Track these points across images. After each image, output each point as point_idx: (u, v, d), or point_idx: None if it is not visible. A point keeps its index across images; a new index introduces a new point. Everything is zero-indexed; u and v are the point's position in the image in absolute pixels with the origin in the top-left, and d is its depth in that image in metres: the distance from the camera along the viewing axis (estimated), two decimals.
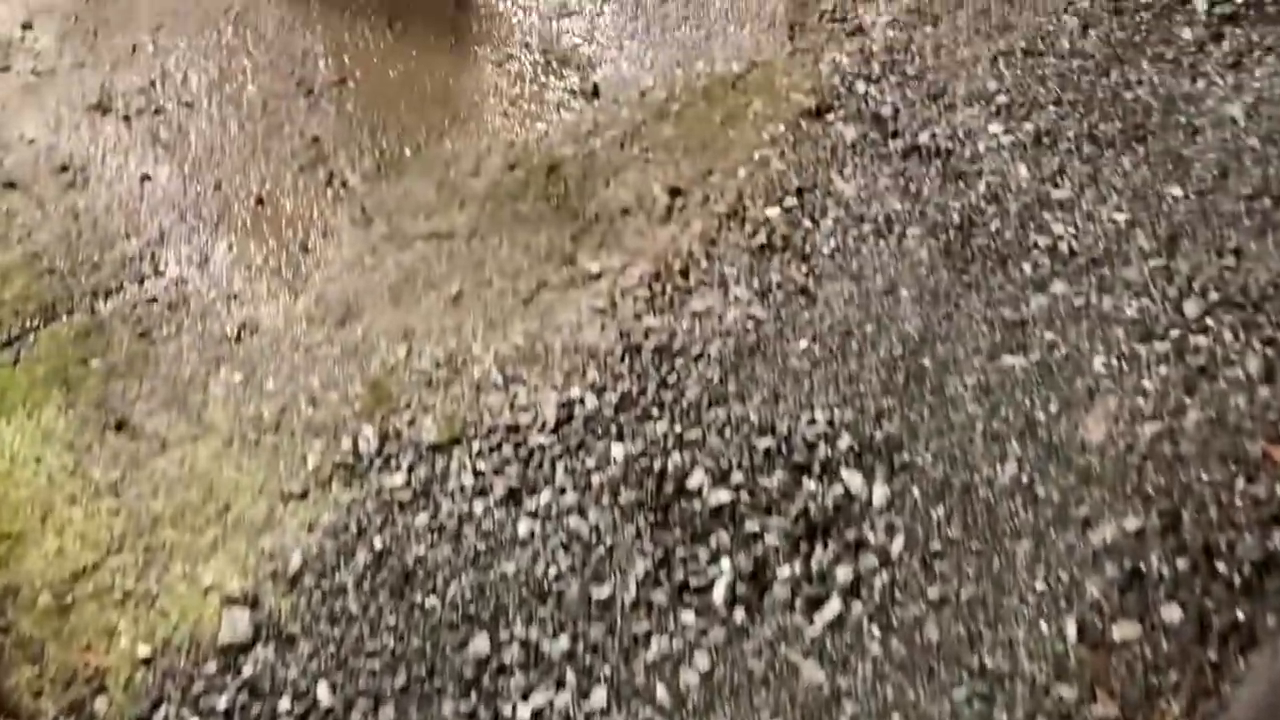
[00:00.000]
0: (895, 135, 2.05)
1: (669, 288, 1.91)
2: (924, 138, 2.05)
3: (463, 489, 1.70)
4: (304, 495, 1.71)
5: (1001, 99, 2.09)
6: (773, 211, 1.99)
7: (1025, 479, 1.65)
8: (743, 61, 2.16)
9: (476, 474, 1.72)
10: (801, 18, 2.22)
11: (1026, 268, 1.88)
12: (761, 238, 1.95)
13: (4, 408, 1.78)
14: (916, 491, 1.65)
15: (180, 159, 2.05)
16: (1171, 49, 2.14)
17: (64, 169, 2.03)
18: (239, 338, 1.87)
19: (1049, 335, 1.80)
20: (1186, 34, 2.16)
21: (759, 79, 2.14)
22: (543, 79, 2.15)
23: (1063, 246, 1.90)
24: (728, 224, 1.98)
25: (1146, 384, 1.74)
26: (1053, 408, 1.72)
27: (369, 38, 2.19)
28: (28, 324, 1.86)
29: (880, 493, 1.66)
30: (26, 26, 2.20)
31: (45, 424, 1.76)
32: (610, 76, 2.15)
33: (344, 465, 1.73)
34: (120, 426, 1.77)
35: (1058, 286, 1.85)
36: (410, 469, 1.73)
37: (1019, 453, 1.68)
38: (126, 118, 2.09)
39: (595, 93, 2.13)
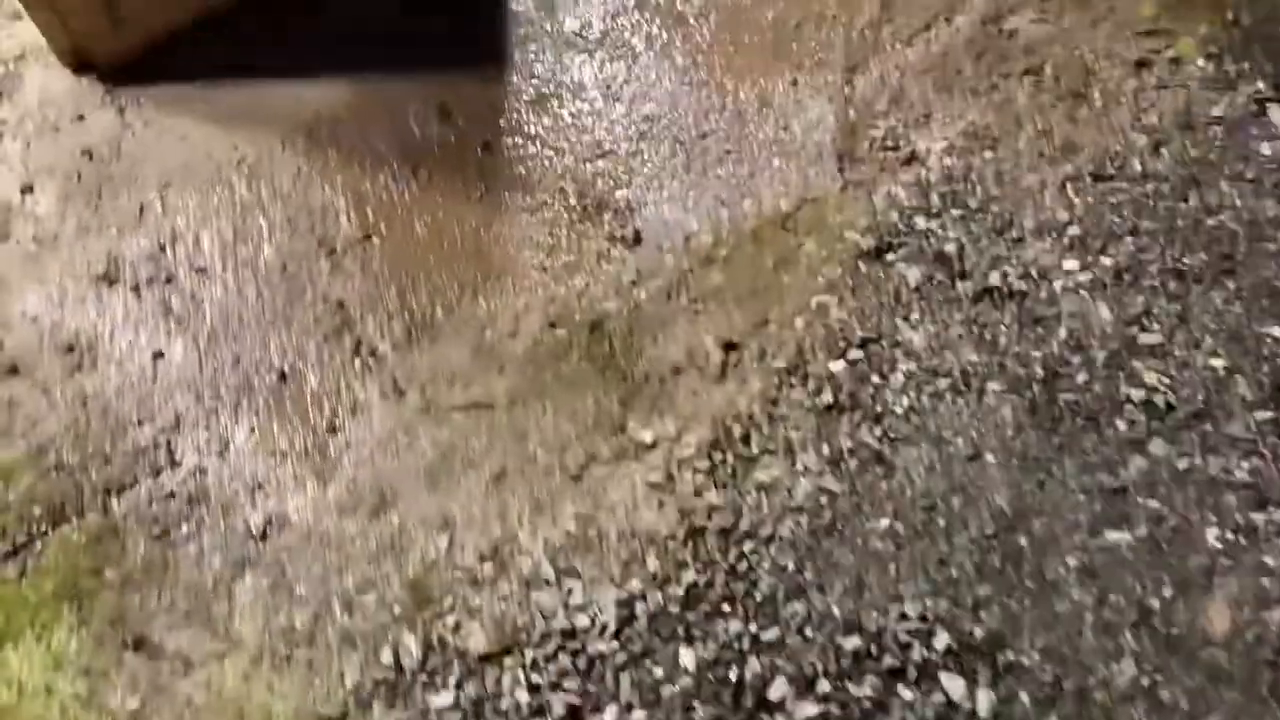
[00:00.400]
0: (963, 276, 1.93)
1: (730, 457, 1.78)
2: (994, 278, 1.93)
3: (518, 708, 1.56)
4: (343, 719, 1.57)
5: (1074, 230, 1.98)
6: (837, 366, 1.86)
7: (1146, 680, 1.51)
8: (791, 198, 2.05)
9: (532, 689, 1.58)
10: (850, 147, 2.11)
11: (1121, 425, 1.75)
12: (827, 396, 1.83)
13: (10, 630, 1.64)
14: (1026, 697, 1.51)
15: (195, 332, 1.93)
16: (1251, 167, 2.03)
17: (70, 349, 1.92)
18: (265, 535, 1.74)
19: (1153, 504, 1.67)
20: (1265, 149, 2.05)
21: (810, 217, 2.03)
22: (580, 226, 2.04)
23: (1158, 399, 1.77)
24: (789, 381, 1.86)
25: (1269, 560, 1.61)
26: (1167, 592, 1.59)
27: (392, 189, 2.09)
28: (34, 529, 1.74)
29: (985, 700, 1.51)
30: (26, 190, 2.10)
31: (56, 647, 1.62)
32: (651, 221, 2.04)
33: (385, 682, 1.59)
34: (139, 645, 1.64)
35: (1157, 447, 1.72)
36: (459, 685, 1.59)
37: (1135, 648, 1.54)
38: (136, 288, 1.98)
39: (637, 240, 2.02)
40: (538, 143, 2.16)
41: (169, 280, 1.99)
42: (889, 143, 2.13)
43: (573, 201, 2.08)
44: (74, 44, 2.15)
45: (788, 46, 2.28)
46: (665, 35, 2.30)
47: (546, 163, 2.12)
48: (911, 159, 2.11)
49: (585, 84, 2.24)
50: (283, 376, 1.91)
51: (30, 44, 2.27)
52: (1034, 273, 1.95)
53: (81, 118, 2.20)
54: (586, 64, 2.27)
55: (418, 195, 2.09)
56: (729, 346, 1.92)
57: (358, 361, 1.92)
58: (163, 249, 2.03)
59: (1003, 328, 1.89)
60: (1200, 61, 2.20)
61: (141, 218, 2.06)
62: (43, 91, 2.24)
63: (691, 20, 2.32)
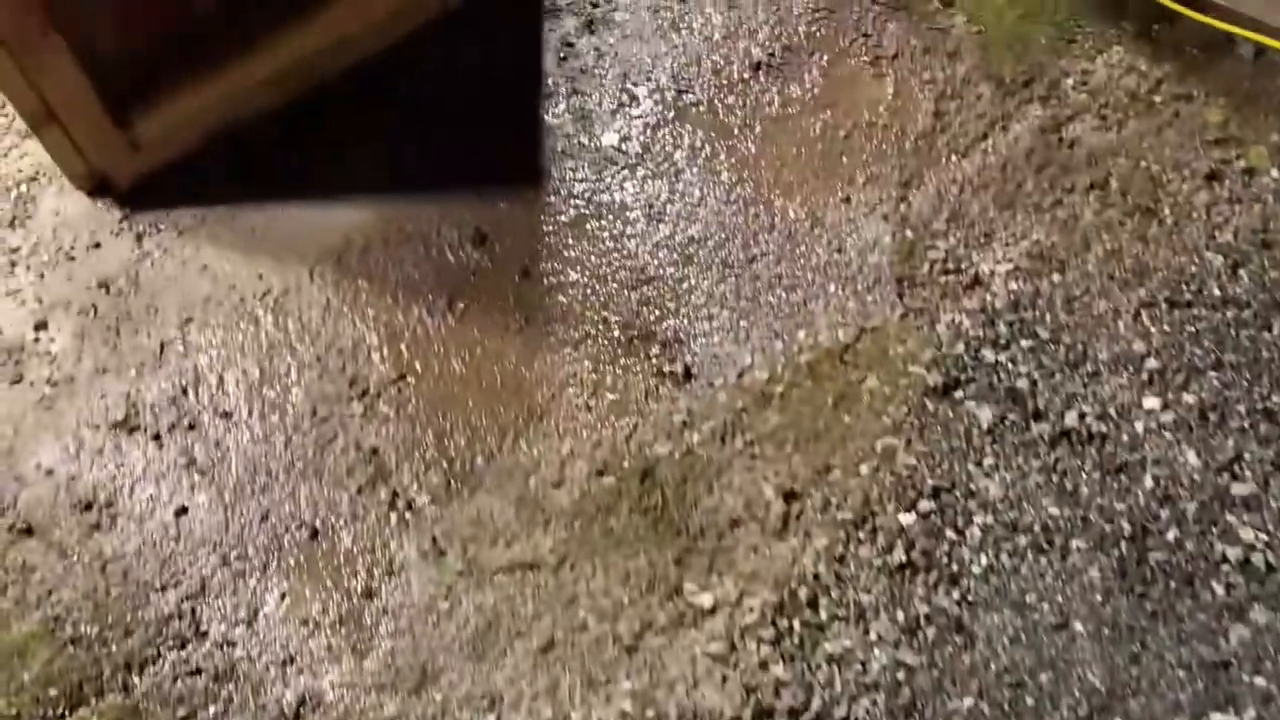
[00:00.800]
0: (1038, 416, 1.84)
1: (797, 624, 1.68)
2: (1071, 418, 1.84)
3: None
4: None
5: (1152, 363, 1.89)
6: (907, 518, 1.76)
7: None
8: (849, 328, 1.96)
9: None
10: (909, 270, 2.02)
11: (1218, 589, 1.65)
12: (899, 554, 1.73)
13: None
14: None
15: (220, 485, 1.84)
16: None
17: (88, 506, 1.82)
18: (298, 716, 1.64)
19: (1259, 682, 1.57)
20: None
21: (870, 349, 1.94)
22: (625, 360, 1.95)
23: (1256, 559, 1.67)
24: (856, 535, 1.76)
25: None
26: None
27: (427, 323, 2.00)
28: (51, 713, 1.63)
29: None
30: (40, 327, 2.01)
31: None
32: (701, 354, 1.94)
33: None
34: None
35: (1259, 614, 1.62)
36: None
37: None
38: (157, 436, 1.89)
39: (686, 375, 1.93)
40: (578, 268, 2.07)
41: (192, 427, 1.90)
42: (950, 265, 2.04)
43: (617, 333, 1.99)
44: (88, 168, 2.07)
45: (838, 159, 2.20)
46: (709, 149, 2.22)
47: (588, 290, 2.03)
48: (975, 283, 2.02)
49: (626, 203, 2.15)
50: (314, 534, 1.81)
51: (44, 164, 2.19)
52: (1113, 412, 1.85)
53: (98, 245, 2.11)
54: (627, 181, 2.18)
55: (454, 328, 2.00)
56: (790, 496, 1.82)
57: (394, 516, 1.82)
58: (185, 392, 1.93)
59: (1084, 476, 1.79)
60: (1275, 173, 2.11)
61: (162, 357, 1.97)
62: (57, 216, 2.15)
63: (736, 131, 2.24)
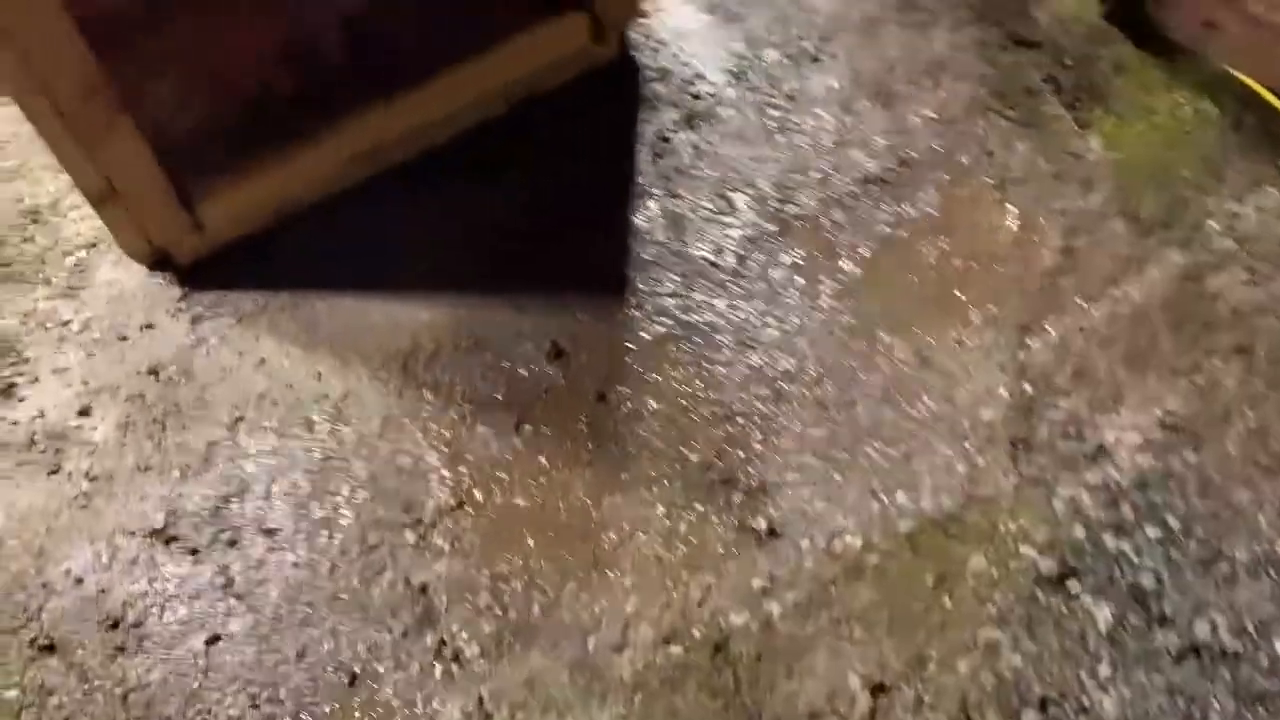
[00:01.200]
0: (1163, 622, 1.65)
1: None
2: (1201, 629, 1.65)
3: None
4: None
5: None
6: None
7: None
8: (955, 494, 1.79)
9: None
10: (1026, 431, 1.84)
11: None
12: None
13: None
14: None
15: (257, 613, 1.71)
16: None
17: (115, 624, 1.71)
18: None
19: None
20: None
21: (979, 522, 1.76)
22: (703, 507, 1.80)
23: None
24: None
25: None
26: None
27: (492, 445, 1.86)
28: None
29: None
30: (84, 413, 1.91)
31: None
32: (789, 509, 1.78)
33: None
34: None
35: None
36: None
37: None
38: (195, 550, 1.77)
39: (771, 533, 1.77)
40: (658, 396, 1.92)
41: (233, 543, 1.78)
42: (1071, 430, 1.86)
43: (696, 475, 1.83)
44: (149, 245, 1.97)
45: (952, 293, 2.03)
46: (811, 269, 2.06)
47: (667, 422, 1.88)
48: (1099, 454, 1.84)
49: (715, 325, 2.00)
50: (353, 679, 1.68)
51: (104, 230, 2.09)
52: (1250, 627, 1.66)
53: (151, 326, 2.01)
54: (718, 299, 2.03)
55: (520, 453, 1.86)
56: (878, 689, 1.65)
57: (439, 668, 1.68)
58: (228, 501, 1.82)
59: (1215, 703, 1.60)
60: None
61: (208, 459, 1.86)
62: (112, 289, 2.06)
63: (841, 253, 2.08)
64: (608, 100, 2.32)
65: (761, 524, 1.81)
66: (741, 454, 1.88)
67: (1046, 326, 2.00)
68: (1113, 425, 1.88)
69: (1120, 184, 2.17)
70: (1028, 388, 1.93)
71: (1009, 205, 2.15)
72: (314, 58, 2.03)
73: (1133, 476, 1.83)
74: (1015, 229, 2.12)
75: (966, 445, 1.88)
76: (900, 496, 1.83)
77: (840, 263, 2.10)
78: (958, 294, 2.05)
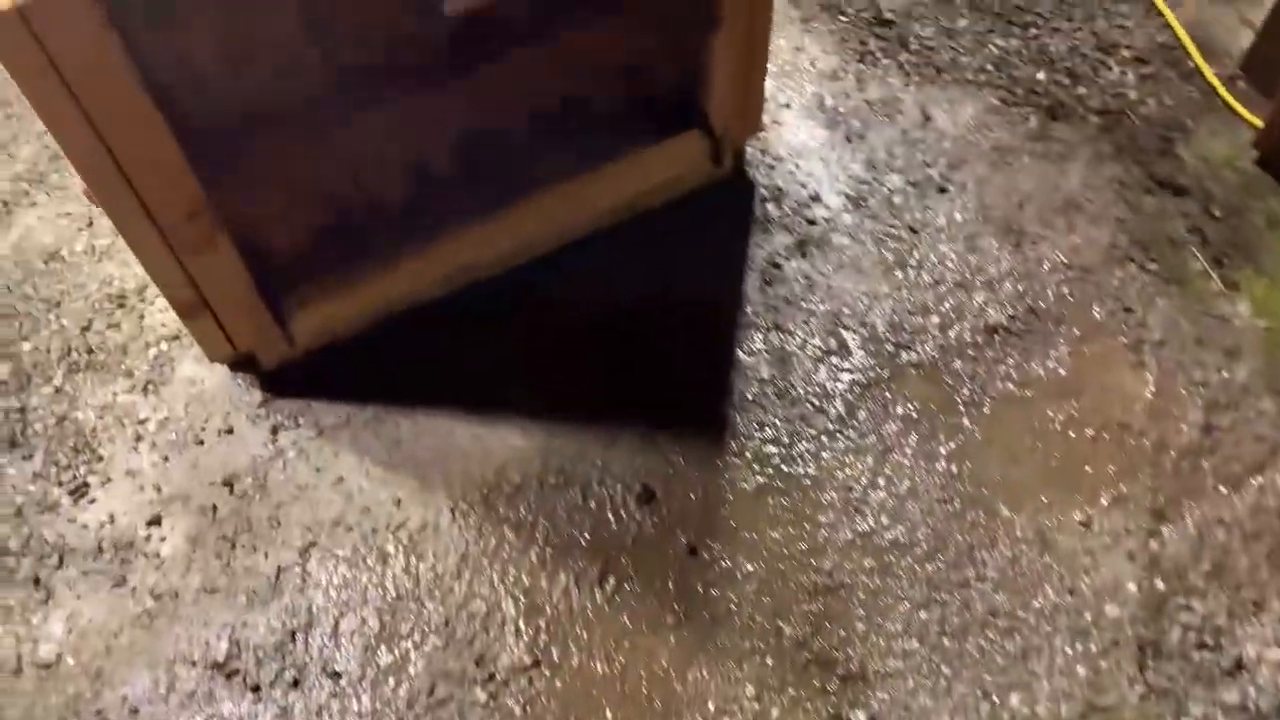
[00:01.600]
0: None
1: None
2: None
3: None
4: None
5: None
6: None
7: None
8: (1076, 701, 1.65)
9: None
10: (1156, 634, 1.69)
11: None
12: None
13: None
14: None
15: None
16: None
17: None
18: None
19: None
20: None
21: None
22: (795, 691, 1.67)
23: None
24: None
25: None
26: None
27: (573, 597, 1.76)
28: None
29: None
30: (154, 522, 1.85)
31: None
32: (890, 702, 1.66)
33: None
34: None
35: None
36: None
37: None
38: (256, 688, 1.69)
39: None
40: (754, 557, 1.80)
41: (295, 684, 1.70)
42: (1206, 638, 1.71)
43: (790, 651, 1.71)
44: (236, 353, 1.90)
45: (1080, 466, 1.88)
46: (927, 425, 1.93)
47: (762, 586, 1.77)
48: (1237, 669, 1.68)
49: (820, 481, 1.88)
50: None
51: None
52: None
53: (230, 431, 1.94)
54: (824, 451, 1.91)
55: (602, 610, 1.75)
56: None
57: None
58: (294, 636, 1.73)
59: None
60: None
61: (276, 586, 1.78)
62: (192, 387, 2.00)
63: (961, 408, 1.95)
64: (718, 218, 2.21)
65: (860, 717, 1.68)
66: (842, 634, 1.75)
67: (1183, 514, 1.85)
68: (1254, 637, 1.72)
69: (1270, 356, 2.02)
70: (1159, 584, 1.78)
71: (1145, 370, 2.01)
72: (424, 169, 1.96)
73: (1274, 697, 1.67)
74: (1150, 397, 1.98)
75: (1090, 645, 1.73)
76: (1013, 699, 1.69)
77: (959, 420, 1.96)
78: (1086, 468, 1.90)
